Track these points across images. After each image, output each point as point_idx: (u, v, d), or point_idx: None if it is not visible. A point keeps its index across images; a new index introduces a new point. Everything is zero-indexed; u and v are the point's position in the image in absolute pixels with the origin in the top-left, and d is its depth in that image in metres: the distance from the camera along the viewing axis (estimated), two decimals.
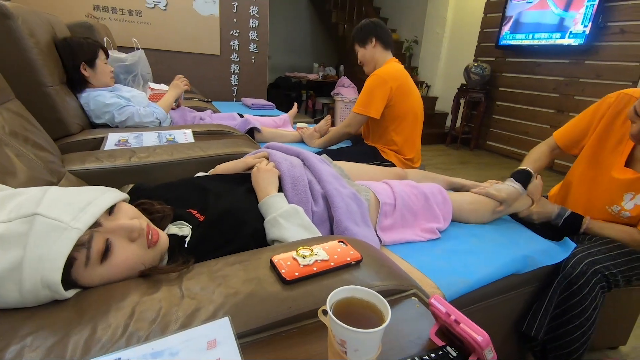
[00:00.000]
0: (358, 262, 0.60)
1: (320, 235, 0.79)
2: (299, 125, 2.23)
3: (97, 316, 0.47)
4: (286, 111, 2.54)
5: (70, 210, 0.51)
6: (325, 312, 0.46)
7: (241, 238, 0.70)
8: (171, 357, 0.42)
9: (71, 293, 0.51)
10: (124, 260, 0.56)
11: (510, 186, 1.15)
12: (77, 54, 1.50)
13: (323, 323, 0.50)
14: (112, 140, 1.35)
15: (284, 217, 0.76)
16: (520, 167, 1.23)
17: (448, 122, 4.70)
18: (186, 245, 0.67)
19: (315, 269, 0.56)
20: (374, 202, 1.01)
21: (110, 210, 0.57)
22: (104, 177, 1.08)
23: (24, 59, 1.22)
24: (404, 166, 1.82)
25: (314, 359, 0.45)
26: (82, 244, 0.51)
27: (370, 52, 1.81)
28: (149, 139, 1.40)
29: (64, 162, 1.08)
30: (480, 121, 4.20)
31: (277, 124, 2.31)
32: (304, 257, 0.58)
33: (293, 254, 0.59)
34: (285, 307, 0.50)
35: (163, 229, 0.68)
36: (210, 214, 0.74)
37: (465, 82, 4.16)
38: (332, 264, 0.58)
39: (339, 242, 0.64)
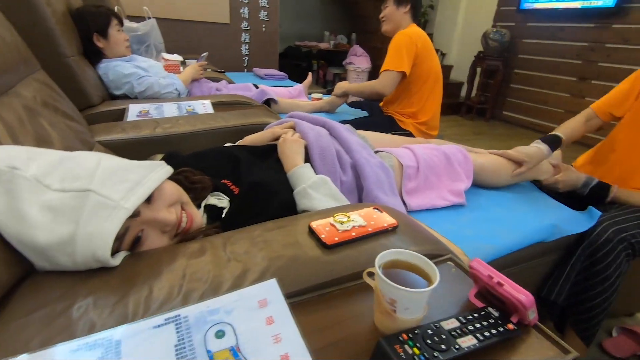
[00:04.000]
0: (394, 228, 0.61)
1: (349, 204, 0.80)
2: (314, 95, 2.20)
3: (151, 278, 0.49)
4: (297, 82, 2.50)
5: (121, 188, 0.52)
6: (370, 274, 0.48)
7: (273, 209, 0.71)
8: (226, 315, 0.44)
9: (118, 260, 0.53)
10: (151, 248, 0.58)
11: (534, 146, 1.14)
12: (89, 24, 1.47)
13: (364, 285, 0.52)
14: (134, 111, 1.36)
15: (313, 188, 0.77)
16: (550, 133, 1.21)
17: (463, 92, 4.58)
18: (223, 216, 0.68)
19: (353, 234, 0.57)
20: (398, 167, 1.01)
21: (152, 193, 0.58)
22: (130, 148, 1.10)
23: (43, 29, 1.21)
24: (423, 135, 1.81)
25: (357, 317, 0.47)
26: (117, 238, 0.51)
27: (399, 15, 1.77)
28: (169, 109, 1.40)
29: (93, 132, 1.09)
30: (497, 90, 4.09)
31: (292, 94, 2.28)
32: (341, 223, 0.59)
33: (330, 220, 0.60)
34: (327, 270, 0.52)
35: (203, 199, 0.70)
36: (244, 186, 0.75)
37: (482, 49, 4.01)
38: (369, 229, 0.59)
39: (374, 208, 0.65)
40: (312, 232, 0.59)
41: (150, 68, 1.65)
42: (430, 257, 0.59)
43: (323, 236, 0.56)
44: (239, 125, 1.27)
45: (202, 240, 0.59)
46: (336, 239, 0.56)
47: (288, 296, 0.48)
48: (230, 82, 2.36)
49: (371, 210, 0.64)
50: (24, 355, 0.36)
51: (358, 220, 0.61)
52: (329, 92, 2.16)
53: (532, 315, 0.44)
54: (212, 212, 0.69)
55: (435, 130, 1.88)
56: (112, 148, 1.07)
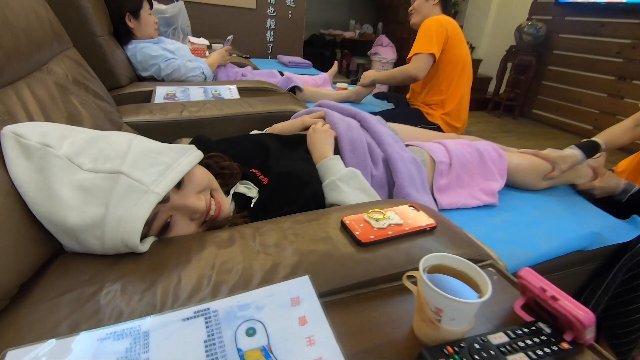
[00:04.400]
0: (432, 229, 0.57)
1: (380, 199, 0.77)
2: (339, 85, 2.15)
3: (180, 266, 0.48)
4: (320, 71, 2.45)
5: (152, 172, 0.51)
6: (410, 278, 0.45)
7: (303, 200, 0.69)
8: (257, 311, 0.42)
9: (147, 246, 0.51)
10: (179, 234, 0.57)
11: (569, 150, 1.07)
12: (122, 4, 1.47)
13: (401, 288, 0.49)
14: (161, 93, 1.35)
15: (343, 181, 0.74)
16: (590, 139, 1.13)
17: (491, 88, 4.42)
18: (252, 206, 0.66)
19: (390, 232, 0.54)
20: (429, 163, 0.97)
21: (182, 179, 0.56)
22: (157, 130, 1.09)
23: (75, 7, 1.21)
24: (450, 129, 1.75)
25: (394, 322, 0.45)
26: (146, 223, 0.50)
27: (429, 7, 1.71)
28: (196, 93, 1.39)
29: (121, 113, 1.09)
30: (528, 87, 3.92)
31: (317, 83, 2.24)
32: (376, 220, 0.56)
33: (364, 216, 0.57)
34: (362, 269, 0.49)
35: (232, 187, 0.68)
36: (273, 176, 0.73)
37: (515, 44, 3.84)
38: (406, 228, 0.55)
39: (410, 206, 0.62)
40: (345, 227, 0.56)
41: (177, 51, 1.64)
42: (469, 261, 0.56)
43: (357, 233, 0.53)
44: (265, 112, 1.24)
45: (231, 230, 0.57)
46: (372, 236, 0.53)
47: (321, 295, 0.46)
48: (255, 68, 2.33)
49: (407, 208, 0.61)
50: (52, 341, 0.35)
51: (394, 218, 0.57)
52: (354, 82, 2.11)
53: (590, 335, 0.40)
54: (240, 200, 0.67)
55: (460, 122, 1.81)
56: (140, 129, 1.07)
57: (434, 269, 0.42)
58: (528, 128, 3.81)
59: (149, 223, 0.52)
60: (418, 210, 0.60)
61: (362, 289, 0.48)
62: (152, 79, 1.59)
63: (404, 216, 0.58)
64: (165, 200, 0.53)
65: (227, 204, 0.64)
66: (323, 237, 0.54)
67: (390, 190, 0.88)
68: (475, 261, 0.56)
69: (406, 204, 0.62)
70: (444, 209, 0.93)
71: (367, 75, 1.86)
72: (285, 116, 1.17)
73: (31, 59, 0.72)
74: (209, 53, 1.94)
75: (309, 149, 0.86)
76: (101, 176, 0.48)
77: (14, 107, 0.59)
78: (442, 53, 1.66)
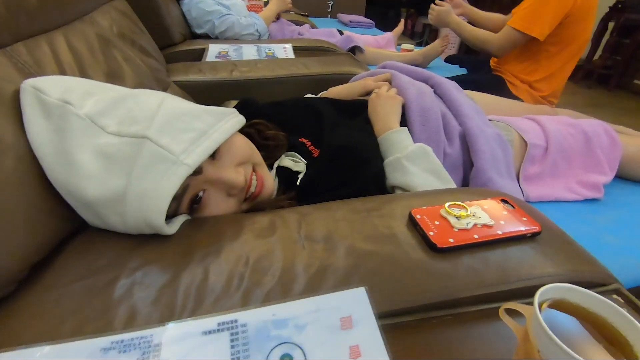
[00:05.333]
0: (534, 235, 0.43)
1: (455, 185, 0.62)
2: (404, 46, 1.93)
3: (209, 257, 0.39)
4: (383, 31, 2.22)
5: (183, 139, 0.42)
6: (508, 311, 0.32)
7: (361, 180, 0.57)
8: (297, 331, 0.33)
9: (174, 228, 0.43)
10: (215, 213, 0.48)
11: None
12: None
13: (490, 311, 0.36)
14: (213, 51, 1.28)
15: (410, 160, 0.61)
16: None
17: (584, 53, 3.79)
18: (298, 182, 0.56)
19: (476, 236, 0.41)
20: (518, 144, 0.79)
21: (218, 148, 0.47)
22: (205, 90, 1.02)
23: None
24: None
25: None
26: (174, 198, 0.42)
27: None
28: (249, 52, 1.30)
29: (170, 72, 1.03)
30: (632, 53, 3.29)
31: (380, 43, 2.04)
32: (457, 217, 0.43)
33: (441, 210, 0.44)
34: (438, 284, 0.37)
35: (275, 159, 0.58)
36: (326, 148, 0.61)
37: None
38: (499, 232, 0.42)
39: (502, 200, 0.47)
40: (414, 223, 0.43)
41: (233, 6, 1.54)
42: (586, 284, 0.41)
43: (432, 233, 0.41)
44: (322, 74, 1.11)
45: (273, 214, 0.47)
46: (451, 240, 0.40)
47: (380, 315, 0.35)
48: (313, 26, 2.17)
49: (498, 203, 0.47)
50: (45, 347, 0.28)
51: (481, 216, 0.43)
52: (420, 45, 1.86)
53: None
54: (285, 175, 0.57)
55: (555, 100, 1.51)
56: (188, 89, 1.00)
57: (554, 305, 0.29)
58: (626, 103, 3.23)
59: (177, 198, 0.44)
60: (514, 207, 0.46)
61: (435, 310, 0.36)
62: (207, 37, 1.51)
63: (495, 214, 0.44)
64: (197, 172, 0.45)
65: (270, 181, 0.55)
66: (385, 235, 0.43)
67: (466, 173, 0.73)
68: (593, 284, 0.41)
69: (497, 197, 0.47)
70: (532, 201, 0.76)
71: (448, 14, 1.48)
72: (344, 79, 1.03)
73: (71, 7, 0.65)
74: None
75: (370, 118, 0.72)
76: (125, 141, 0.40)
77: (43, 59, 0.52)
78: (556, 28, 1.28)
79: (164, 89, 0.88)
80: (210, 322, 0.32)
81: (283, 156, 0.60)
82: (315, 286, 0.36)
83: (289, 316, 0.33)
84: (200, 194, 0.47)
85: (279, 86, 1.08)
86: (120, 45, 0.77)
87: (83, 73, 0.59)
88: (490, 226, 0.42)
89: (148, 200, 0.39)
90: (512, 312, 0.32)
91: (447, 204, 0.45)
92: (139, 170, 0.40)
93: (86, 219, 0.44)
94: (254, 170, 0.53)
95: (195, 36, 1.52)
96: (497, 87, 1.48)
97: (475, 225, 0.42)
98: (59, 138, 0.41)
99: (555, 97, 1.47)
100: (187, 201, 0.46)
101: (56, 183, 0.41)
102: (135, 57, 0.81)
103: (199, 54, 1.30)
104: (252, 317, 0.33)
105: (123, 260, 0.39)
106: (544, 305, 0.29)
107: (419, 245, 0.41)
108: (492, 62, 1.57)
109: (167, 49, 1.31)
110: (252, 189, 0.52)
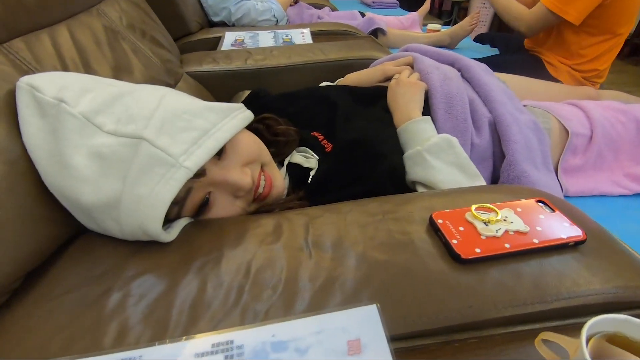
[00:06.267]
0: (578, 244, 0.37)
1: (484, 182, 0.56)
2: (430, 27, 1.82)
3: (207, 266, 0.36)
4: (410, 10, 2.10)
5: (183, 139, 0.39)
6: (546, 342, 0.27)
7: (376, 177, 0.52)
8: (298, 356, 0.29)
9: (174, 234, 0.41)
10: (222, 215, 0.45)
11: None
12: None
13: (521, 335, 0.32)
14: (229, 39, 1.25)
15: (433, 153, 0.55)
16: None
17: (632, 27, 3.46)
18: (310, 180, 0.52)
19: (507, 245, 0.36)
20: (557, 133, 0.71)
21: (223, 147, 0.44)
22: (220, 81, 0.99)
23: None
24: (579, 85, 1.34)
25: None
26: (175, 202, 0.39)
27: None
28: (265, 39, 1.25)
29: (183, 62, 1.01)
30: None
31: (404, 24, 1.94)
32: (486, 222, 0.38)
33: (467, 214, 0.39)
34: (461, 302, 0.32)
35: (286, 156, 0.55)
36: (339, 142, 0.57)
37: None
38: (534, 240, 0.36)
39: (538, 202, 0.41)
40: (435, 228, 0.39)
41: None
42: None
43: (455, 241, 0.36)
44: (341, 60, 1.06)
45: (279, 216, 0.44)
46: (478, 250, 0.35)
47: (393, 338, 0.31)
48: (333, 9, 2.09)
49: (535, 205, 0.41)
50: None
51: (514, 220, 0.38)
52: (448, 24, 1.74)
53: None
54: (297, 173, 0.53)
55: (597, 86, 1.35)
56: (201, 80, 0.97)
57: (608, 339, 0.24)
58: None
59: (179, 202, 0.41)
60: (553, 211, 0.40)
61: (458, 333, 0.32)
62: (224, 25, 1.48)
63: (531, 219, 0.38)
64: (200, 174, 0.42)
65: (280, 180, 0.51)
66: (402, 242, 0.38)
67: (497, 165, 0.66)
68: None
69: (533, 198, 0.42)
70: (571, 196, 0.68)
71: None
72: (364, 64, 0.97)
73: None
74: None
75: (390, 106, 0.67)
76: (121, 141, 0.38)
77: (44, 54, 0.50)
78: (601, 8, 1.13)
79: (176, 81, 0.85)
80: (204, 343, 0.29)
81: (294, 152, 0.56)
82: (320, 302, 0.33)
83: (290, 337, 0.30)
84: (207, 196, 0.44)
85: (295, 74, 1.04)
86: (129, 37, 0.75)
87: (88, 68, 0.57)
88: (524, 233, 0.37)
89: (144, 207, 0.37)
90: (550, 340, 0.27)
91: (473, 207, 0.39)
92: (135, 174, 0.37)
93: (84, 223, 0.42)
94: (262, 169, 0.49)
95: (212, 24, 1.49)
96: (534, 68, 1.36)
97: (506, 232, 0.37)
98: (54, 139, 0.39)
99: (601, 77, 1.33)
100: (193, 205, 0.43)
101: (52, 187, 0.39)
102: (146, 49, 0.79)
103: (216, 43, 1.27)
104: (249, 337, 0.30)
105: (118, 270, 0.37)
106: (592, 340, 0.24)
107: (440, 255, 0.36)
108: (527, 43, 1.44)
109: (183, 38, 1.29)
110: (260, 190, 0.48)
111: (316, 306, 0.32)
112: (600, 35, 1.20)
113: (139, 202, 0.37)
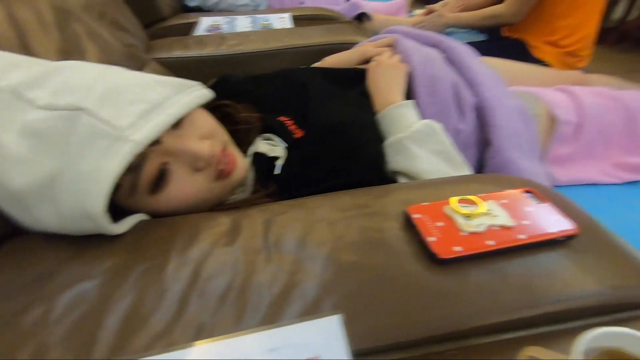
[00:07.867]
0: (569, 239, 0.33)
1: (470, 171, 0.52)
2: (416, 12, 1.77)
3: (149, 273, 0.32)
4: None
5: (130, 112, 0.35)
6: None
7: (355, 168, 0.48)
8: None
9: (122, 227, 0.36)
10: (182, 194, 0.41)
11: None
12: None
13: (502, 344, 0.28)
14: (204, 25, 1.18)
15: (415, 140, 0.51)
16: None
17: (617, 13, 3.46)
18: (279, 171, 0.47)
19: (491, 242, 0.31)
20: (546, 120, 0.67)
21: (179, 121, 0.40)
22: (191, 67, 0.93)
23: None
24: (564, 66, 1.31)
25: None
26: (129, 168, 0.35)
27: None
28: (243, 24, 1.19)
29: (151, 48, 0.94)
30: None
31: (390, 10, 1.88)
32: (467, 216, 0.34)
33: (446, 208, 0.35)
34: (441, 309, 0.28)
35: (249, 145, 0.50)
36: (312, 128, 0.52)
37: None
38: (521, 236, 0.32)
39: (525, 192, 0.37)
40: (411, 225, 0.34)
41: None
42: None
43: (432, 239, 0.32)
44: (321, 44, 1.00)
45: (239, 213, 0.39)
46: (458, 248, 0.31)
47: (360, 353, 0.27)
48: None
49: (521, 195, 0.37)
50: None
51: (499, 214, 0.34)
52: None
53: None
54: (264, 165, 0.48)
55: (584, 59, 1.34)
56: (171, 67, 0.91)
57: (605, 354, 0.20)
58: None
59: (133, 169, 0.36)
60: (541, 202, 0.36)
61: (436, 344, 0.28)
62: (200, 10, 1.41)
63: (517, 212, 0.34)
64: (155, 142, 0.37)
65: (242, 162, 0.47)
66: (375, 241, 0.34)
67: (482, 153, 0.62)
68: None
69: (519, 189, 0.37)
70: (561, 185, 0.65)
71: (440, 17, 1.39)
72: (345, 49, 0.92)
73: None
74: None
75: (369, 89, 0.62)
76: (57, 115, 0.34)
77: None
78: None
79: (140, 68, 0.79)
80: None
81: (259, 140, 0.51)
82: (276, 312, 0.28)
83: (237, 357, 0.25)
84: (163, 167, 0.39)
85: (273, 60, 0.98)
86: (84, 18, 0.69)
87: (26, 49, 0.51)
88: (510, 228, 0.33)
89: (86, 183, 0.33)
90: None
91: (453, 199, 0.35)
92: (75, 149, 0.33)
93: (15, 217, 0.37)
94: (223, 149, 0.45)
95: (187, 9, 1.42)
96: (517, 52, 1.33)
97: (490, 227, 0.33)
98: None
99: (586, 48, 1.31)
100: (148, 178, 0.39)
101: None
102: (104, 32, 0.72)
103: (191, 29, 1.20)
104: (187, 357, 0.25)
105: (51, 276, 0.32)
106: (590, 355, 0.20)
107: (416, 255, 0.32)
108: (505, 31, 1.44)
109: (156, 24, 1.22)
110: (223, 165, 0.43)
111: (271, 318, 0.28)
112: (575, 9, 1.21)
113: (79, 178, 0.33)
